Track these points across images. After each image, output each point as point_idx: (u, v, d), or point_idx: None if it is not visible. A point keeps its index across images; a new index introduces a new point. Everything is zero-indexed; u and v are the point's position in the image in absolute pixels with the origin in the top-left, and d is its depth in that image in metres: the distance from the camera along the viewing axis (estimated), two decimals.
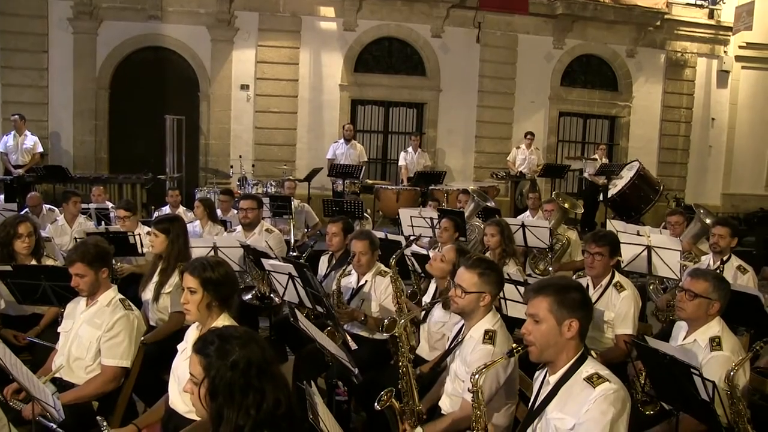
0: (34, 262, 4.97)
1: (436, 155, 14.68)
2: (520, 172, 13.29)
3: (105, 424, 3.09)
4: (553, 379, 2.67)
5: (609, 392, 2.49)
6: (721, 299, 3.64)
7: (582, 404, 2.51)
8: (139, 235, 6.25)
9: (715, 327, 3.65)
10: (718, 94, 16.32)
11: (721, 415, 3.04)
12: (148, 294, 4.84)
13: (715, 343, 3.57)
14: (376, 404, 3.54)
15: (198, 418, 3.02)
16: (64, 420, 3.27)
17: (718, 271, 5.32)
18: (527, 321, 2.68)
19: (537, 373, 2.88)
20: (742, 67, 16.33)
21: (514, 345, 2.72)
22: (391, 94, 14.63)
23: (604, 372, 2.57)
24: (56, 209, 8.38)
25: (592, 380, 2.54)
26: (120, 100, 13.25)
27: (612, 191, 12.44)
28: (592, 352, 2.67)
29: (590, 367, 2.61)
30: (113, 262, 5.55)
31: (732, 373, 3.07)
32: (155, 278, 4.83)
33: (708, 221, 6.87)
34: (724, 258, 5.72)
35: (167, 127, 12.53)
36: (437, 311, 4.46)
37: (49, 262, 5.12)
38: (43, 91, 12.83)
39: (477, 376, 2.72)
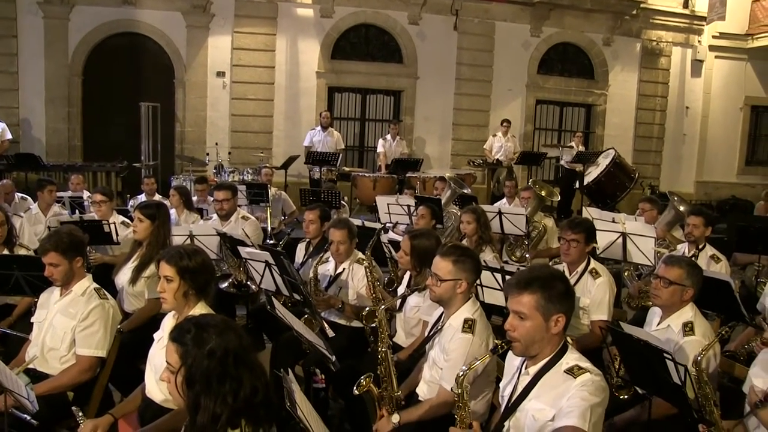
0: (6, 252, 4.90)
1: (414, 143, 14.68)
2: (497, 159, 13.34)
3: (81, 414, 3.08)
4: (533, 370, 2.64)
5: (589, 382, 2.49)
6: (694, 286, 3.70)
7: (562, 395, 2.49)
8: (114, 223, 6.18)
9: (688, 313, 3.71)
10: (692, 83, 16.49)
11: (692, 398, 3.09)
12: (122, 278, 4.80)
13: (688, 328, 3.63)
14: (354, 389, 3.56)
15: (175, 407, 3.02)
16: (38, 411, 3.25)
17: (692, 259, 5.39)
18: (511, 316, 2.61)
19: (509, 358, 2.86)
20: (716, 57, 16.51)
21: (497, 341, 2.67)
22: (368, 82, 14.59)
23: (585, 364, 2.56)
24: (29, 198, 8.26)
25: (573, 372, 2.52)
26: (93, 87, 13.06)
27: (588, 179, 12.52)
28: (568, 338, 2.66)
29: (571, 358, 2.59)
30: (88, 250, 5.50)
31: (699, 358, 3.11)
32: (132, 264, 4.79)
33: (682, 209, 6.96)
34: (699, 246, 5.79)
35: (142, 114, 12.38)
36: (412, 297, 4.48)
37: (22, 251, 5.05)
38: (13, 77, 12.61)
39: (462, 376, 2.66)
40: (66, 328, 3.70)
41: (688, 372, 3.05)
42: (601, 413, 2.49)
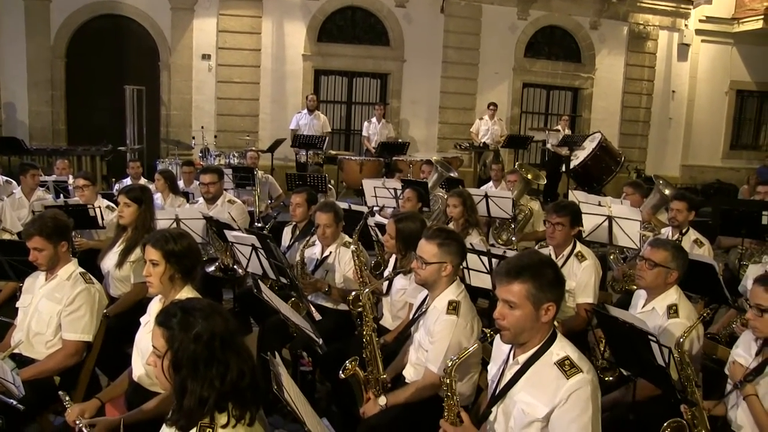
0: None
1: (400, 126, 14.66)
2: (484, 143, 13.34)
3: (67, 398, 3.07)
4: (522, 359, 2.59)
5: (583, 385, 2.41)
6: (679, 268, 3.74)
7: (554, 392, 2.44)
8: (99, 207, 6.15)
9: (672, 295, 3.75)
10: (678, 67, 16.54)
11: (675, 379, 3.13)
12: (108, 262, 4.78)
13: (673, 310, 3.67)
14: (340, 373, 3.58)
15: (162, 391, 3.02)
16: (25, 396, 3.24)
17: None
18: (501, 305, 2.54)
19: (497, 342, 2.83)
20: (702, 41, 16.56)
21: (486, 329, 2.63)
22: (354, 65, 14.52)
23: (574, 355, 2.50)
24: (13, 182, 8.19)
25: (564, 367, 2.46)
26: (77, 70, 12.90)
27: (574, 162, 12.54)
28: (555, 323, 2.66)
29: (560, 348, 2.54)
30: (73, 235, 5.47)
31: (681, 340, 3.15)
32: (118, 248, 4.77)
33: (667, 192, 7.00)
34: (682, 231, 5.83)
35: (127, 97, 12.28)
36: (398, 279, 4.49)
37: (6, 236, 5.02)
38: None
39: (451, 366, 2.63)
40: (52, 312, 3.69)
41: (672, 354, 3.08)
42: (598, 414, 2.45)
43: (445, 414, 2.60)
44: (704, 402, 3.19)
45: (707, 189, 15.93)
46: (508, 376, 2.62)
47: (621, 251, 6.31)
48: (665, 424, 3.02)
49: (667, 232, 6.03)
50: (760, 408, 2.94)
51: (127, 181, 9.02)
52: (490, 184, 9.27)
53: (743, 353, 3.21)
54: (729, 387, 3.18)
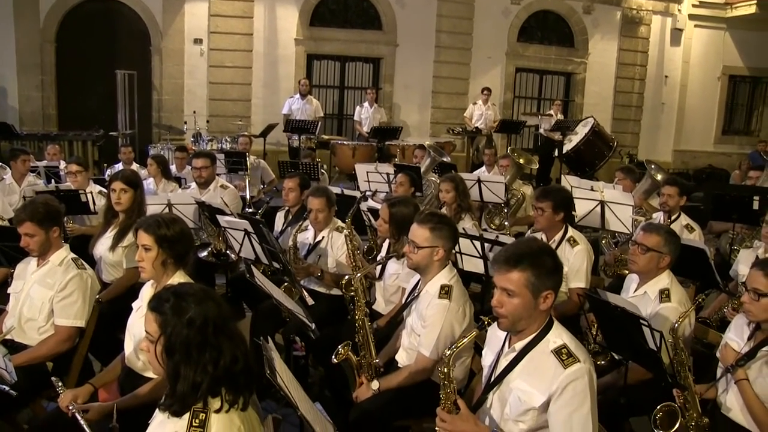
0: None
1: (393, 110, 14.63)
2: (477, 127, 13.33)
3: (60, 384, 3.07)
4: (518, 346, 2.58)
5: (581, 375, 2.40)
6: (671, 253, 3.75)
7: (551, 380, 2.43)
8: (91, 193, 6.12)
9: (664, 280, 3.77)
10: (671, 52, 16.54)
11: (667, 363, 3.15)
12: (100, 248, 4.77)
13: (665, 295, 3.68)
14: (333, 357, 3.58)
15: (155, 376, 3.02)
16: (17, 382, 3.24)
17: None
18: (499, 293, 2.51)
19: (491, 330, 2.82)
20: (695, 26, 16.57)
21: (483, 317, 2.61)
22: (347, 49, 14.46)
23: (572, 344, 2.49)
24: (6, 167, 8.13)
25: (562, 356, 2.44)
26: (67, 54, 12.79)
27: (567, 147, 12.54)
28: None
29: (557, 335, 2.52)
30: (64, 220, 5.45)
31: (676, 325, 3.16)
32: (111, 232, 4.75)
33: (659, 177, 7.01)
34: (673, 216, 5.85)
35: (118, 82, 12.21)
36: (391, 264, 4.50)
37: None
38: None
39: (449, 353, 2.62)
40: (44, 298, 3.67)
41: (664, 338, 3.10)
42: (595, 402, 2.43)
43: (442, 402, 2.60)
44: (696, 386, 3.22)
45: (699, 174, 15.99)
46: (504, 363, 2.62)
47: (613, 236, 6.33)
48: (657, 408, 3.03)
49: (658, 217, 6.04)
50: (751, 392, 2.97)
51: (119, 167, 8.97)
52: (483, 168, 9.27)
53: (735, 337, 3.23)
54: (720, 371, 3.20)
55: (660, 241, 3.74)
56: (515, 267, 2.46)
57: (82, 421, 2.83)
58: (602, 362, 3.93)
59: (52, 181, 7.34)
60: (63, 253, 3.79)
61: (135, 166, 8.95)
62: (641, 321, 3.13)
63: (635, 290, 3.89)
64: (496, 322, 2.55)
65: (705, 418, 3.10)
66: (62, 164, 7.96)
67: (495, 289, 2.53)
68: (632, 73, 16.17)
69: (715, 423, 3.12)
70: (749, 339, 3.13)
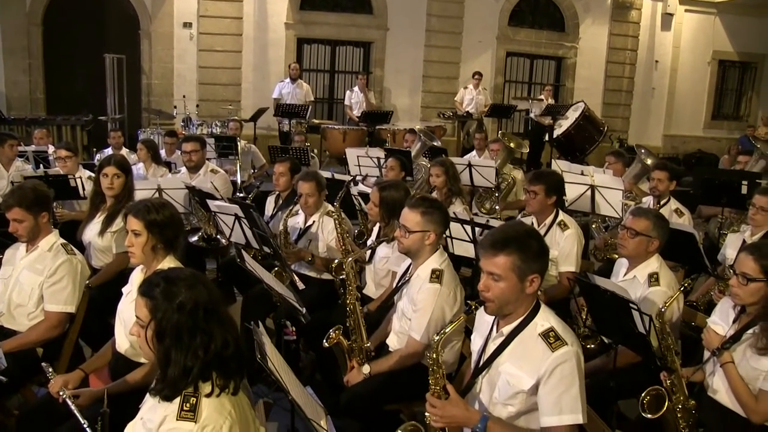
0: None
1: (383, 95, 14.59)
2: (467, 112, 13.32)
3: (50, 370, 3.07)
4: (506, 330, 2.58)
5: (569, 358, 2.41)
6: (660, 237, 3.77)
7: (539, 364, 2.43)
8: (80, 178, 6.09)
9: (653, 264, 3.79)
10: (662, 37, 16.53)
11: (656, 346, 3.17)
12: (89, 233, 4.75)
13: (654, 279, 3.71)
14: (324, 342, 3.60)
15: (146, 361, 3.02)
16: (7, 368, 3.25)
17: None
18: (485, 277, 2.51)
19: (479, 315, 2.83)
20: (686, 11, 16.55)
21: (470, 302, 2.60)
22: (337, 33, 14.38)
23: (559, 327, 2.50)
24: None
25: (549, 339, 2.45)
26: (55, 38, 12.65)
27: (557, 131, 12.57)
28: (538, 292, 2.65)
29: (544, 318, 2.53)
30: (54, 206, 5.41)
31: (663, 310, 3.18)
32: (99, 218, 4.73)
33: (649, 162, 7.03)
34: (663, 201, 5.87)
35: (107, 66, 12.09)
36: (381, 248, 4.50)
37: None
38: None
39: (437, 339, 2.62)
40: (33, 284, 3.66)
41: (653, 322, 3.12)
42: (583, 384, 2.45)
43: (431, 387, 2.61)
44: (683, 369, 3.24)
45: (689, 159, 16.06)
46: (492, 347, 2.62)
47: (603, 220, 6.36)
48: (645, 392, 3.06)
49: (648, 201, 6.07)
50: (737, 375, 2.99)
51: (109, 152, 8.92)
52: (474, 153, 9.27)
53: (719, 321, 3.25)
54: (707, 354, 3.23)
55: (649, 225, 3.76)
56: (501, 251, 2.46)
57: (72, 407, 2.84)
58: (592, 346, 3.95)
59: (41, 166, 7.28)
60: (52, 239, 3.77)
61: (125, 151, 8.91)
62: (631, 305, 3.15)
63: (625, 274, 3.91)
64: (483, 307, 2.55)
65: (692, 401, 3.13)
66: (50, 149, 7.90)
67: (482, 273, 2.53)
68: (623, 58, 16.16)
69: (701, 405, 3.15)
70: (734, 322, 3.15)
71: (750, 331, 3.01)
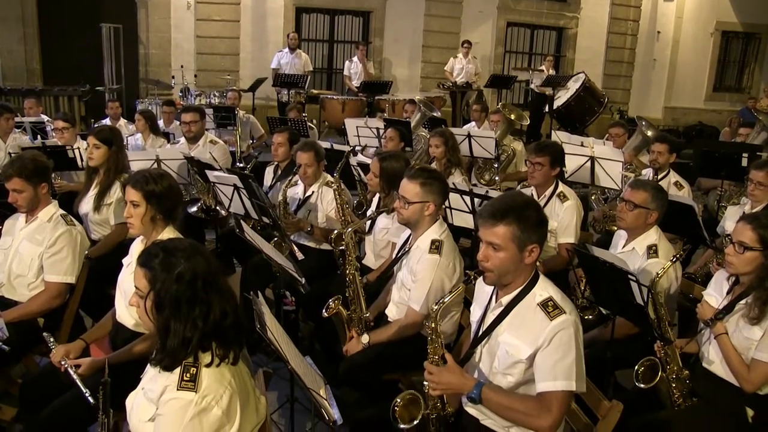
0: None
1: (382, 65, 14.48)
2: (455, 82, 13.24)
3: (52, 340, 3.09)
4: (505, 300, 2.59)
5: (567, 326, 2.42)
6: (659, 209, 3.77)
7: (538, 333, 2.45)
8: (78, 148, 6.06)
9: (652, 236, 3.80)
10: (664, 7, 16.38)
11: (653, 318, 3.19)
12: (85, 207, 4.74)
13: (652, 251, 3.71)
14: (323, 312, 3.61)
15: (146, 331, 3.04)
16: (9, 338, 3.26)
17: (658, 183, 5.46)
18: (484, 247, 2.51)
19: (479, 285, 2.83)
20: None
21: (469, 272, 2.62)
22: (336, 2, 14.25)
23: (557, 296, 2.51)
24: None
25: (548, 308, 2.46)
26: (49, 7, 12.48)
27: (557, 103, 12.51)
28: (537, 263, 2.66)
29: (542, 288, 2.54)
30: (53, 177, 5.40)
31: (656, 280, 3.19)
32: (93, 191, 4.72)
33: (649, 134, 7.01)
34: (662, 174, 5.86)
35: (103, 36, 11.96)
36: (380, 219, 4.51)
37: None
38: None
39: (436, 308, 2.64)
40: (33, 254, 3.67)
41: (651, 293, 3.13)
42: (581, 354, 2.46)
43: (429, 356, 2.63)
44: (677, 340, 3.27)
45: (689, 131, 15.99)
46: (491, 317, 2.63)
47: (602, 192, 6.35)
48: (639, 363, 3.09)
49: (648, 173, 6.06)
50: (730, 346, 3.01)
51: (106, 122, 8.89)
52: (473, 123, 9.22)
53: (714, 293, 3.27)
54: (702, 326, 3.25)
55: (647, 197, 3.75)
56: (501, 221, 2.46)
57: (74, 376, 2.87)
58: (590, 317, 3.98)
59: (38, 137, 7.25)
60: (52, 210, 3.77)
61: (122, 122, 8.88)
62: (629, 276, 3.16)
63: (623, 246, 3.92)
64: (482, 277, 2.56)
65: (685, 371, 3.17)
66: (44, 118, 7.86)
67: (481, 243, 2.54)
68: (624, 29, 16.01)
69: (695, 375, 3.18)
70: (728, 293, 3.17)
71: (743, 301, 3.03)
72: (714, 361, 3.12)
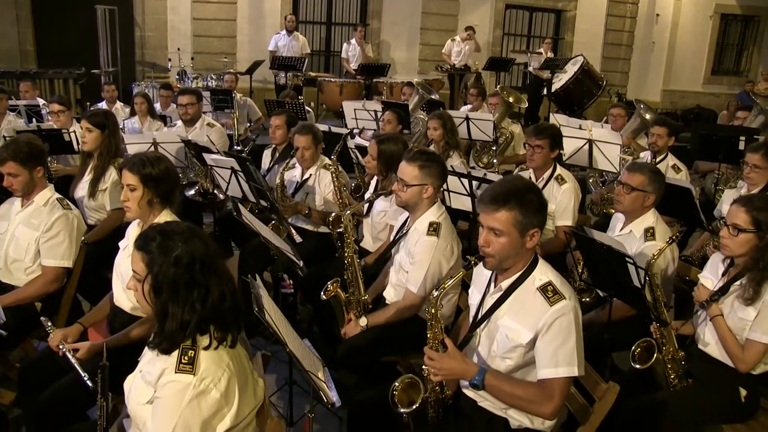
0: None
1: (380, 47, 14.40)
2: (455, 65, 13.18)
3: (50, 324, 3.09)
4: (505, 284, 2.59)
5: (566, 312, 2.42)
6: (656, 192, 3.77)
7: (537, 317, 2.45)
8: (74, 132, 6.03)
9: (650, 218, 3.80)
10: None
11: (650, 300, 3.20)
12: (80, 192, 4.72)
13: (650, 233, 3.73)
14: (321, 294, 3.62)
15: (143, 315, 3.04)
16: (6, 322, 3.26)
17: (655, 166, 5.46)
18: (485, 232, 2.49)
19: (477, 269, 2.81)
20: None
21: (470, 257, 2.59)
22: None
23: (557, 281, 2.51)
24: None
25: (547, 293, 2.46)
26: None
27: (556, 85, 12.47)
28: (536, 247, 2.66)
29: (542, 273, 2.54)
30: (49, 160, 5.38)
31: (652, 262, 3.20)
32: (87, 176, 4.70)
33: (648, 117, 7.00)
34: (660, 157, 5.86)
35: (98, 17, 11.87)
36: (378, 201, 4.50)
37: None
38: None
39: (436, 294, 2.62)
40: (29, 239, 3.65)
41: (648, 275, 3.14)
42: (581, 338, 2.47)
43: (429, 341, 2.63)
44: (673, 321, 3.29)
45: (687, 114, 15.96)
46: (490, 301, 2.63)
47: (600, 175, 6.35)
48: (636, 344, 3.10)
49: (646, 156, 6.06)
50: (725, 327, 3.04)
51: (102, 105, 8.84)
52: (469, 107, 9.18)
53: (709, 275, 3.28)
54: (698, 307, 3.26)
55: (644, 180, 3.75)
56: (502, 206, 2.45)
57: (72, 360, 2.87)
58: (587, 299, 3.99)
59: (33, 120, 7.21)
60: (47, 194, 3.75)
61: (119, 105, 8.84)
62: (626, 259, 3.16)
63: (621, 229, 3.92)
64: (482, 262, 2.55)
65: (681, 352, 3.18)
66: (40, 101, 7.81)
67: (481, 228, 2.53)
68: (623, 11, 15.92)
69: (691, 357, 3.20)
70: (723, 275, 3.18)
71: (737, 282, 3.05)
72: (709, 343, 3.14)
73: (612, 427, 2.82)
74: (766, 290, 2.94)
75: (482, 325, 2.66)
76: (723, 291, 3.10)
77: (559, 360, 2.42)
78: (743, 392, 3.05)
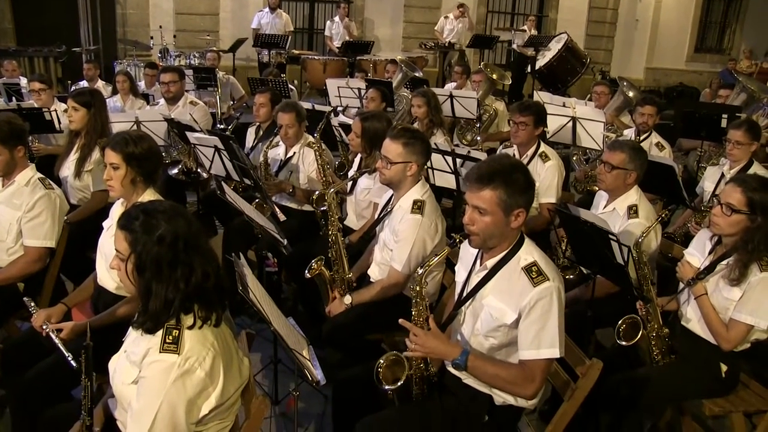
0: None
1: (364, 25, 14.30)
2: (449, 42, 13.13)
3: (33, 304, 3.07)
4: (490, 263, 2.59)
5: (550, 293, 2.43)
6: (637, 169, 3.79)
7: (520, 297, 2.46)
8: (56, 111, 5.96)
9: (633, 196, 3.82)
10: None
11: (633, 277, 3.23)
12: (66, 171, 4.68)
13: (633, 211, 3.75)
14: (306, 273, 3.62)
15: (127, 294, 3.03)
16: None
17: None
18: (470, 211, 2.49)
19: (464, 247, 2.83)
20: None
21: (455, 234, 2.59)
22: None
23: (542, 261, 2.50)
24: None
25: (532, 274, 2.46)
26: None
27: (540, 63, 12.48)
28: None
29: (527, 252, 2.53)
30: (30, 140, 5.32)
31: (640, 240, 3.22)
32: (74, 155, 4.66)
33: (631, 94, 7.03)
34: (645, 134, 5.89)
35: None
36: (362, 179, 4.50)
37: None
38: None
39: (421, 272, 2.61)
40: (11, 219, 3.61)
41: (631, 252, 3.16)
42: (562, 318, 2.47)
43: (414, 319, 2.64)
44: (658, 299, 3.31)
45: (670, 92, 16.03)
46: (476, 280, 2.64)
47: (584, 152, 6.37)
48: (621, 321, 3.13)
49: (629, 134, 6.09)
50: (709, 306, 3.07)
51: (84, 84, 8.75)
52: (453, 84, 9.16)
53: (696, 253, 3.30)
54: (681, 285, 3.29)
55: (625, 158, 3.77)
56: (487, 185, 2.44)
57: (56, 340, 2.85)
58: (571, 276, 4.02)
59: (13, 99, 7.11)
60: (29, 173, 3.71)
61: (100, 83, 8.74)
62: (610, 236, 3.18)
63: (604, 206, 3.94)
64: (467, 240, 2.56)
65: (665, 329, 3.22)
66: (23, 81, 7.71)
67: (467, 206, 2.52)
68: None
69: (674, 333, 3.24)
70: (710, 253, 3.21)
71: (724, 262, 3.06)
72: (692, 320, 3.18)
73: (595, 402, 2.85)
74: (752, 272, 2.95)
75: (467, 303, 2.67)
76: (709, 270, 3.11)
77: (541, 342, 2.44)
78: (724, 368, 3.10)
